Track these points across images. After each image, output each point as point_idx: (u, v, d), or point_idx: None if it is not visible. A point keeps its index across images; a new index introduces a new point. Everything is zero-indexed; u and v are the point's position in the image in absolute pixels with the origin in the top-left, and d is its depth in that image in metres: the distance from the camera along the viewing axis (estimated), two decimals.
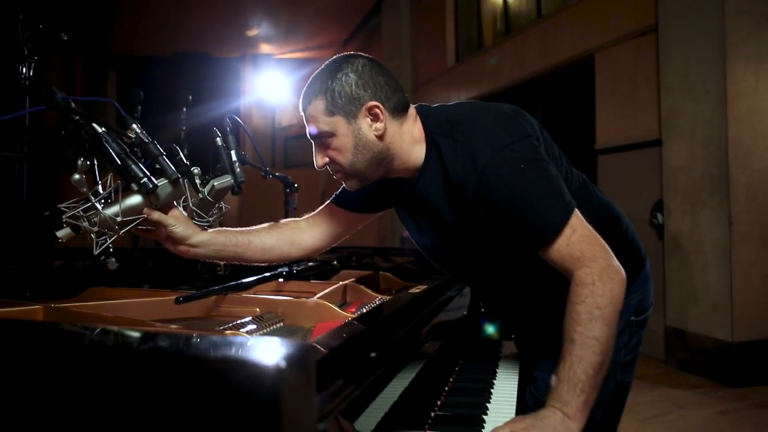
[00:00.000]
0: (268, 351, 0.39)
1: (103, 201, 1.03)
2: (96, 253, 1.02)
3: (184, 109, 3.26)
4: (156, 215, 1.05)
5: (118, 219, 1.02)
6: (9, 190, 1.65)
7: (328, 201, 1.27)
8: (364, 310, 1.23)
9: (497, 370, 1.27)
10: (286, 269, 1.60)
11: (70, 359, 0.47)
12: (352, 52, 1.10)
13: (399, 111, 1.05)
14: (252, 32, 9.03)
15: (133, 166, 1.01)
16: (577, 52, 4.78)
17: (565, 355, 0.89)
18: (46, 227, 1.13)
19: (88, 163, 1.00)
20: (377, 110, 1.02)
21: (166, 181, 1.06)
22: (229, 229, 1.21)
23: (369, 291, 1.43)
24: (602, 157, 4.52)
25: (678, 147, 3.79)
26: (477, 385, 1.17)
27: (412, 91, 7.80)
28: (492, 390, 1.14)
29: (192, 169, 1.32)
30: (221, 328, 1.10)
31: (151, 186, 1.02)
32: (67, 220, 1.01)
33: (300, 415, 0.40)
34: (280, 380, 0.37)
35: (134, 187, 1.01)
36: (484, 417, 1.00)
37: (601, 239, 0.95)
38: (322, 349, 0.59)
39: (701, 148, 3.61)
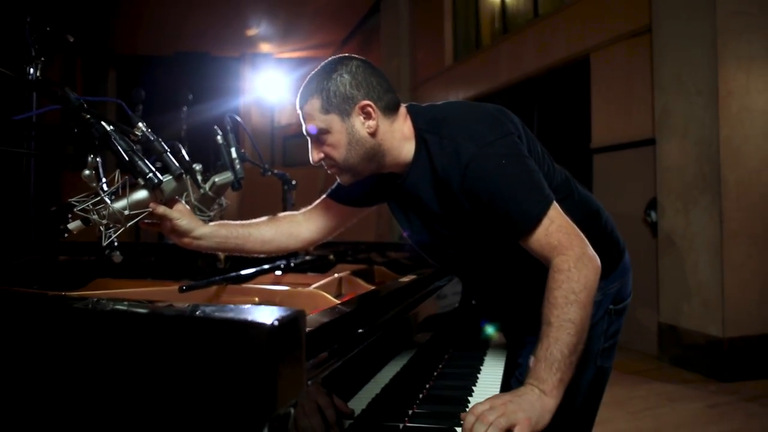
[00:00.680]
0: (264, 314, 0.45)
1: (111, 195, 1.09)
2: (105, 244, 1.08)
3: (185, 107, 3.32)
4: (161, 209, 1.12)
5: (126, 212, 1.08)
6: (16, 186, 1.71)
7: (324, 195, 1.34)
8: None
9: (485, 358, 1.33)
10: (284, 262, 1.66)
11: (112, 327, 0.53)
12: (346, 54, 1.17)
13: (390, 110, 1.12)
14: (251, 32, 9.09)
15: (139, 162, 1.07)
16: (573, 52, 4.84)
17: (543, 337, 0.96)
18: (54, 221, 1.19)
19: (97, 159, 1.06)
20: (370, 109, 1.09)
21: (171, 176, 1.12)
22: (230, 222, 1.27)
23: (363, 283, 1.49)
24: (598, 156, 4.58)
25: (671, 146, 3.85)
26: (464, 370, 1.23)
27: (410, 90, 7.85)
28: (479, 375, 1.21)
29: (194, 165, 1.39)
30: None
31: (156, 181, 1.08)
32: (78, 213, 1.07)
33: (291, 369, 0.47)
34: (274, 336, 0.44)
35: (141, 182, 1.07)
36: (469, 398, 1.06)
37: (577, 229, 1.01)
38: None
39: (693, 147, 3.67)
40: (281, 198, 1.97)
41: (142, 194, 1.10)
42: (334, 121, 1.09)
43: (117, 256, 1.14)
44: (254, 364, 0.44)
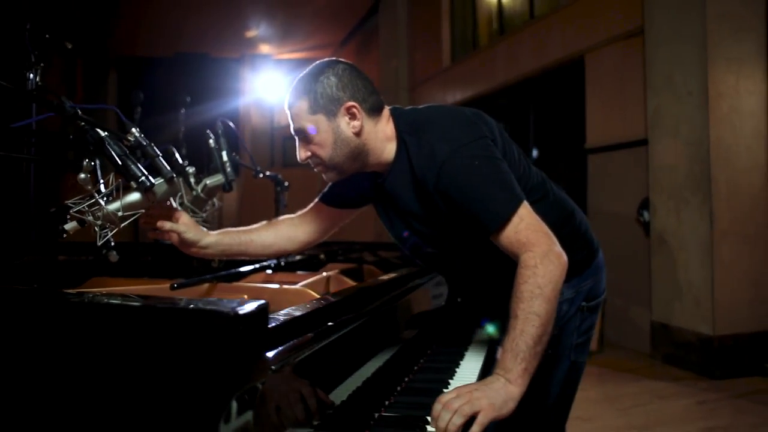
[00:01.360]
0: (229, 306, 0.51)
1: (105, 198, 1.14)
2: (99, 244, 1.14)
3: (183, 110, 3.39)
4: (168, 225, 1.20)
5: (119, 214, 1.13)
6: (17, 189, 1.77)
7: (316, 200, 1.40)
8: None
9: (465, 353, 1.38)
10: (274, 261, 1.71)
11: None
12: (333, 58, 1.23)
13: (374, 111, 1.18)
14: (251, 33, 9.14)
15: (132, 166, 1.12)
16: (568, 53, 4.89)
17: (510, 329, 1.01)
18: (53, 223, 1.25)
19: (93, 163, 1.12)
20: (354, 110, 1.14)
21: (162, 179, 1.18)
22: (232, 229, 1.34)
23: (350, 281, 1.54)
24: (592, 156, 4.63)
25: (663, 146, 3.90)
26: (444, 365, 1.28)
27: (409, 90, 7.90)
28: (457, 369, 1.26)
29: (187, 168, 1.45)
30: None
31: (148, 184, 1.13)
32: (74, 214, 1.13)
33: (254, 352, 0.52)
34: (236, 324, 0.49)
35: (133, 185, 1.12)
36: (444, 390, 1.11)
37: (546, 228, 1.06)
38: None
39: (685, 148, 3.72)
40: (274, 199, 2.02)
41: (134, 196, 1.15)
42: (320, 121, 1.15)
43: (113, 256, 1.19)
44: (220, 347, 0.50)
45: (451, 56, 7.23)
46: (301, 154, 1.19)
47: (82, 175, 1.09)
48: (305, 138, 1.17)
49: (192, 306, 0.52)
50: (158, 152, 1.19)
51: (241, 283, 1.44)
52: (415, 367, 1.26)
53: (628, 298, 4.25)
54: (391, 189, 1.21)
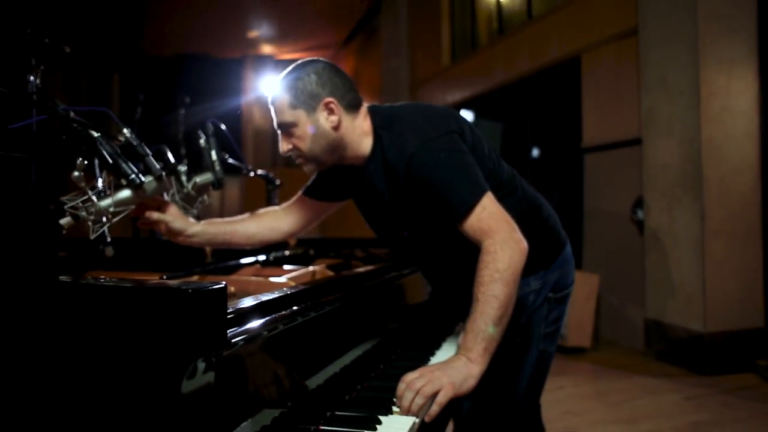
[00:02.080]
0: (189, 286, 0.58)
1: (98, 194, 1.21)
2: (92, 237, 1.21)
3: (182, 110, 3.46)
4: (156, 215, 1.29)
5: (111, 209, 1.21)
6: (19, 189, 1.84)
7: (300, 193, 1.48)
8: None
9: (443, 343, 1.45)
10: (264, 256, 1.78)
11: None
12: (315, 58, 1.32)
13: (352, 108, 1.26)
14: (253, 33, 9.23)
15: (123, 164, 1.19)
16: (565, 53, 4.94)
17: (471, 312, 1.08)
18: (52, 218, 1.32)
19: (86, 162, 1.18)
20: (332, 105, 1.23)
21: (152, 177, 1.25)
22: (217, 220, 1.42)
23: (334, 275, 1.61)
24: (588, 156, 4.68)
25: (656, 146, 3.94)
26: (420, 353, 1.35)
27: (409, 91, 7.96)
28: (432, 358, 1.32)
29: (179, 167, 1.52)
30: None
31: (138, 181, 1.20)
32: (69, 210, 1.20)
33: (212, 325, 0.59)
34: (193, 301, 0.56)
35: (124, 182, 1.19)
36: None
37: (508, 216, 1.13)
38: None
39: (677, 147, 3.76)
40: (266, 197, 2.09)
41: (125, 193, 1.23)
42: (301, 115, 1.23)
43: (109, 251, 1.26)
44: (184, 318, 0.57)
45: (451, 56, 7.29)
46: (283, 146, 1.28)
47: (76, 173, 1.16)
48: (287, 132, 1.26)
49: (161, 286, 0.60)
50: (148, 152, 1.27)
51: (229, 276, 1.51)
52: (393, 356, 1.33)
53: (623, 296, 4.29)
54: (368, 182, 1.29)
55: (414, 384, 0.99)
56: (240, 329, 0.71)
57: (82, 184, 1.18)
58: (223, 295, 0.61)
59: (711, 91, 3.60)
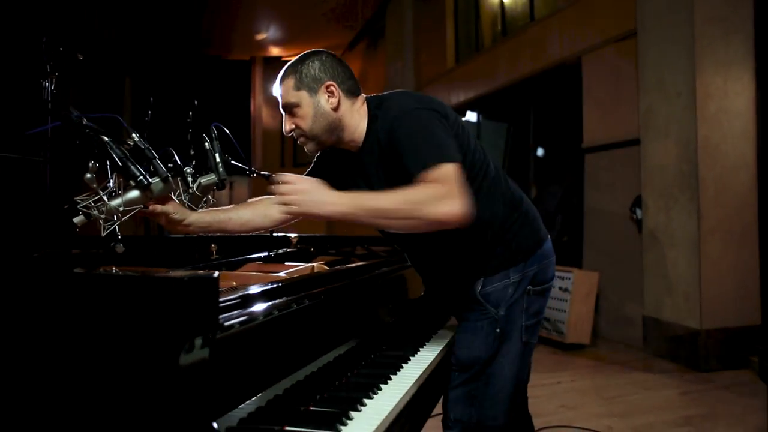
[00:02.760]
0: (184, 276, 0.67)
1: (109, 195, 1.31)
2: (104, 234, 1.31)
3: (190, 113, 3.56)
4: (159, 208, 1.38)
5: (121, 209, 1.30)
6: (35, 189, 1.95)
7: None
8: None
9: (433, 336, 1.53)
10: (265, 253, 1.87)
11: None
12: (319, 49, 1.43)
13: (351, 93, 1.39)
14: (261, 36, 9.35)
15: (131, 167, 1.29)
16: (567, 55, 5.00)
17: (377, 192, 1.21)
18: (66, 217, 1.42)
19: (98, 165, 1.28)
20: (333, 88, 1.36)
21: (159, 178, 1.35)
22: (213, 209, 1.52)
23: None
24: (589, 156, 4.74)
25: (654, 146, 4.00)
26: (409, 344, 1.43)
27: (414, 91, 8.03)
28: (421, 348, 1.41)
29: (185, 168, 1.62)
30: None
31: (146, 183, 1.30)
32: (81, 209, 1.30)
33: (204, 310, 0.68)
34: (186, 288, 0.66)
35: (132, 183, 1.29)
36: (403, 365, 1.26)
37: (463, 186, 1.19)
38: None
39: (674, 147, 3.82)
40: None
41: (134, 194, 1.33)
42: (303, 96, 1.37)
43: (120, 248, 1.36)
44: (176, 305, 0.66)
45: (456, 58, 7.37)
46: (287, 126, 1.41)
47: (88, 175, 1.26)
48: (291, 112, 1.39)
49: (163, 276, 0.69)
50: (155, 154, 1.36)
51: (232, 272, 1.61)
52: (384, 346, 1.41)
53: (622, 293, 4.35)
54: (363, 162, 1.39)
55: (284, 190, 1.21)
56: (233, 313, 0.81)
57: (94, 185, 1.28)
58: (214, 284, 0.70)
59: (708, 92, 3.65)
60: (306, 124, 1.36)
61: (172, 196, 1.51)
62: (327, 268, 1.74)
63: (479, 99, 6.62)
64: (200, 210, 1.49)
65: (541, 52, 5.38)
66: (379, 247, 2.37)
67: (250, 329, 0.88)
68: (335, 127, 1.38)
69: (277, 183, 1.25)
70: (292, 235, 2.28)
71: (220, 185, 1.67)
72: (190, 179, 1.65)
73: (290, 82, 1.37)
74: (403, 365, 1.27)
